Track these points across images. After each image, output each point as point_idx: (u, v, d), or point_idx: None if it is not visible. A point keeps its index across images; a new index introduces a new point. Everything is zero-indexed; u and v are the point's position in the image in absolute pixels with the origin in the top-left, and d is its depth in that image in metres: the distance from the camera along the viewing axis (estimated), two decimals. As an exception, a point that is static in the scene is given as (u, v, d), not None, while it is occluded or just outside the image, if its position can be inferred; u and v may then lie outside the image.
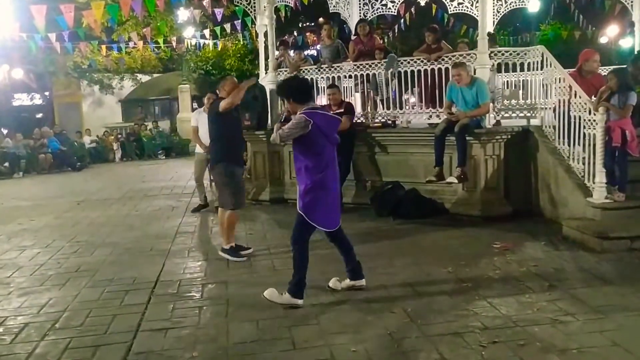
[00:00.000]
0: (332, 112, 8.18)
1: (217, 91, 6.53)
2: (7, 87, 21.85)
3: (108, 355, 3.86)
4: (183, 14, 19.82)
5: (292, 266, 4.64)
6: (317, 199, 4.55)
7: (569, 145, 6.83)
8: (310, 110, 4.53)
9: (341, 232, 4.87)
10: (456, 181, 7.32)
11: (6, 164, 16.82)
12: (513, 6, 11.37)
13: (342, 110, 8.24)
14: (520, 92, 8.18)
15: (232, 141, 6.14)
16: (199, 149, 8.85)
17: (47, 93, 25.08)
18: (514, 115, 7.80)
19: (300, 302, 4.55)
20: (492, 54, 7.67)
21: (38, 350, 3.99)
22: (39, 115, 25.60)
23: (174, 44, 20.61)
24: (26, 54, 18.15)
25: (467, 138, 7.28)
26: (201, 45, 22.10)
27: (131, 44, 19.86)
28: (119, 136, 21.46)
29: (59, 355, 3.89)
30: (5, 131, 20.07)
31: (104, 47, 19.00)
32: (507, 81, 8.51)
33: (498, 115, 7.74)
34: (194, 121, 8.93)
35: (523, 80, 8.09)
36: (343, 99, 8.77)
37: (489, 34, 8.83)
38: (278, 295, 4.56)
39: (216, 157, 6.12)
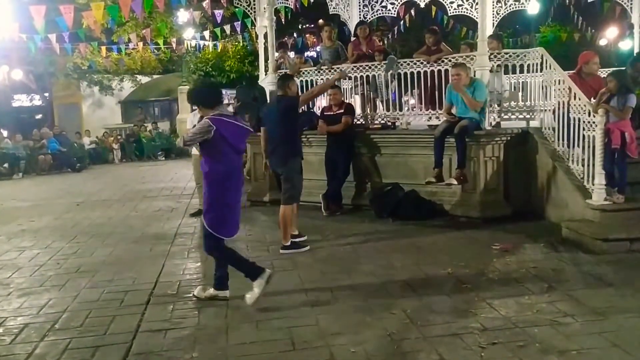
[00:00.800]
0: (332, 112, 8.30)
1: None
2: (6, 88, 21.84)
3: (107, 356, 3.86)
4: (183, 15, 19.83)
5: (216, 264, 4.80)
6: (220, 212, 4.62)
7: (569, 147, 6.84)
8: (217, 117, 4.55)
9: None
10: (455, 183, 7.33)
11: (6, 165, 16.82)
12: (512, 8, 11.37)
13: (342, 110, 8.28)
14: (520, 94, 8.19)
15: (300, 137, 6.51)
16: (194, 151, 8.86)
17: (46, 94, 25.05)
18: (513, 117, 7.81)
19: (227, 292, 4.77)
20: (492, 56, 7.68)
21: (38, 350, 3.99)
22: (39, 116, 25.58)
23: (174, 45, 20.62)
24: (26, 55, 18.17)
25: (467, 140, 7.29)
26: (201, 46, 22.10)
27: (131, 45, 19.87)
28: (119, 137, 21.46)
29: (59, 356, 3.89)
30: (5, 132, 20.06)
31: (103, 48, 19.01)
32: (507, 83, 8.51)
33: (498, 117, 7.75)
34: (190, 123, 8.93)
35: (522, 82, 8.10)
36: (343, 99, 8.78)
37: (496, 35, 8.83)
38: (204, 291, 4.81)
39: (294, 151, 6.35)
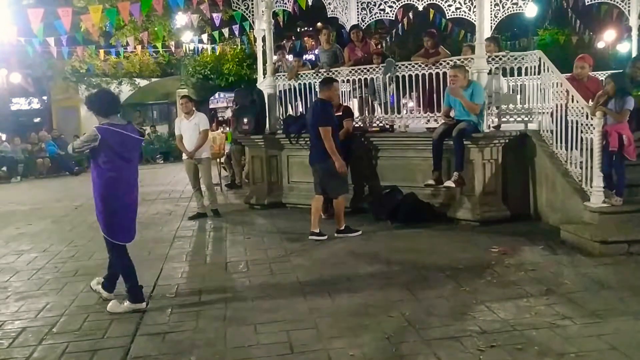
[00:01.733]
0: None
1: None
2: (5, 91, 21.83)
3: (105, 360, 3.86)
4: (181, 18, 19.84)
5: (122, 275, 4.82)
6: (112, 218, 4.72)
7: (567, 149, 6.84)
8: (104, 126, 4.67)
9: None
10: (454, 185, 7.33)
11: (4, 168, 16.83)
12: (510, 11, 11.36)
13: (340, 113, 8.26)
14: (518, 96, 8.20)
15: (334, 138, 6.97)
16: (184, 156, 8.91)
17: (45, 97, 25.04)
18: (511, 119, 7.81)
19: (143, 305, 4.73)
20: (490, 59, 7.69)
21: (35, 354, 3.98)
22: (37, 120, 25.55)
23: (172, 48, 20.62)
24: (24, 58, 18.15)
25: (465, 142, 7.30)
26: (199, 49, 22.12)
27: (129, 49, 19.86)
28: (117, 140, 21.39)
29: (56, 360, 3.88)
30: (3, 135, 20.05)
31: (102, 51, 19.00)
32: (505, 85, 8.51)
33: (497, 120, 7.75)
34: (177, 130, 8.98)
35: (520, 84, 8.10)
36: (341, 102, 8.78)
37: (493, 38, 8.85)
38: (119, 305, 4.74)
39: (325, 152, 6.79)
